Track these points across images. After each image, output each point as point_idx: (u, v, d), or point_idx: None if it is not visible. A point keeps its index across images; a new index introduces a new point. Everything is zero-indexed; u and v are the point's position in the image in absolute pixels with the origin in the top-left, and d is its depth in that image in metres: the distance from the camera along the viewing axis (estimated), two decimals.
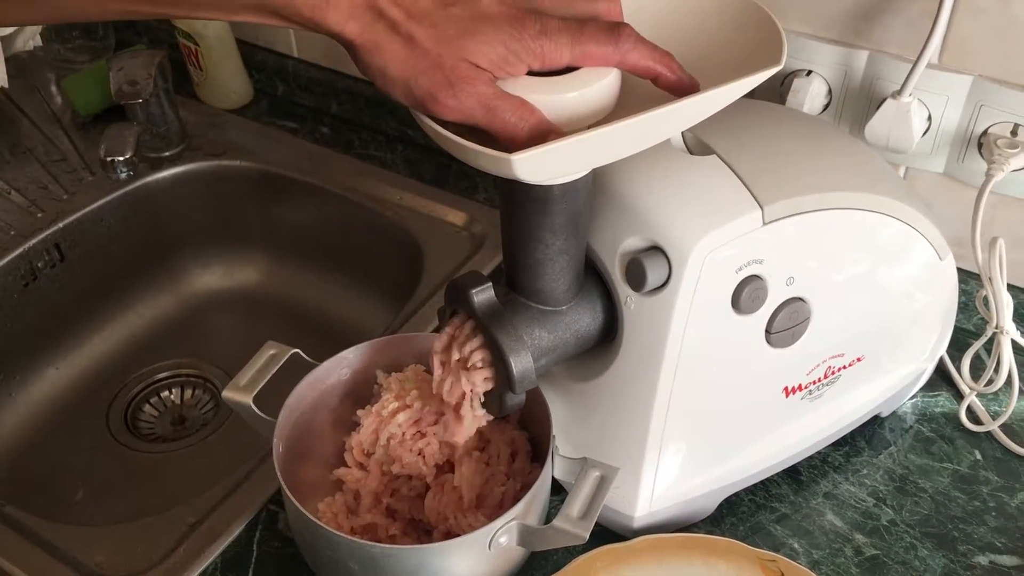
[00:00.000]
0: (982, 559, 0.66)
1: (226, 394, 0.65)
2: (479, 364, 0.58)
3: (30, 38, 1.09)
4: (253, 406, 0.65)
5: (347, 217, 0.97)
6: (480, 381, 0.59)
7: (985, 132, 0.72)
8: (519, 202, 0.55)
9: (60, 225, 0.94)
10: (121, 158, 0.89)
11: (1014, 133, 0.71)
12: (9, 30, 1.05)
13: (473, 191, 0.97)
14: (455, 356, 0.59)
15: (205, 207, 1.03)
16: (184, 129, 1.02)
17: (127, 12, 0.49)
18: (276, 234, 1.03)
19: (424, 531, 0.66)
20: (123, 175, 0.90)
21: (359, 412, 0.67)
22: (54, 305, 0.95)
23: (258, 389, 0.65)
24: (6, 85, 1.03)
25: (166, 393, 0.97)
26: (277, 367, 0.66)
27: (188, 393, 0.97)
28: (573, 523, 0.57)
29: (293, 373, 0.66)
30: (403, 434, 0.65)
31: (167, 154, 1.00)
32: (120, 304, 1.01)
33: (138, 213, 0.99)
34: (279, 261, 1.04)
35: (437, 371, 0.60)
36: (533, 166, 0.47)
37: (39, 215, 0.95)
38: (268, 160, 1.01)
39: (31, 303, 0.93)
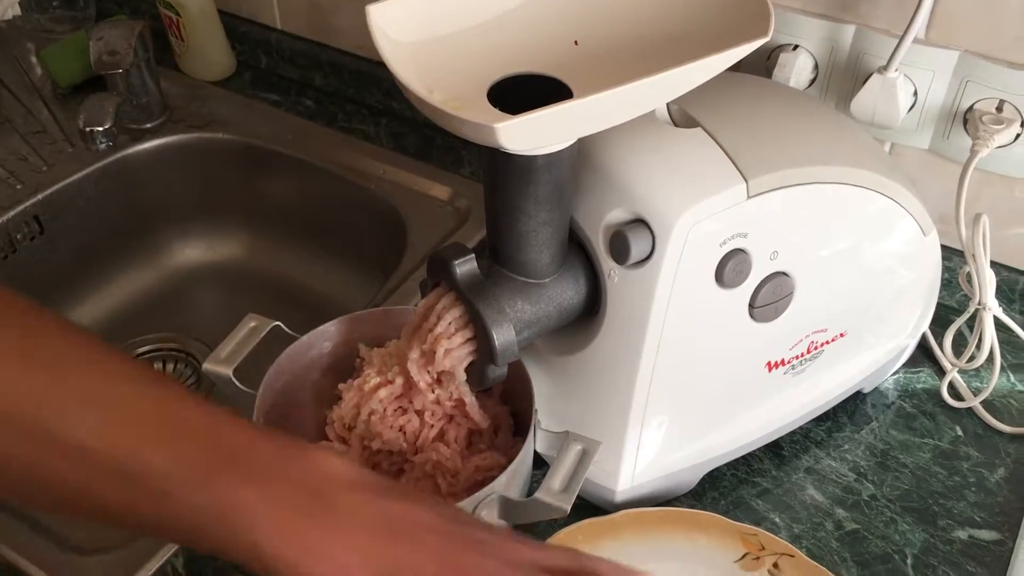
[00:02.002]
0: (961, 533, 0.67)
1: (206, 366, 0.65)
2: (461, 337, 0.58)
3: (9, 7, 1.07)
4: (233, 378, 0.64)
5: (330, 191, 0.97)
6: (463, 354, 0.59)
7: (971, 108, 0.72)
8: (503, 172, 0.54)
9: (39, 197, 0.93)
10: (100, 128, 0.87)
11: (999, 109, 0.71)
12: None
13: (458, 165, 0.96)
14: (437, 328, 0.59)
15: (186, 180, 1.01)
16: (165, 101, 1.00)
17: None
18: (258, 207, 1.02)
19: None
20: (102, 146, 0.88)
21: (341, 386, 0.66)
22: (33, 278, 0.94)
23: (239, 361, 0.65)
24: None
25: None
26: (258, 339, 0.66)
27: (170, 367, 0.96)
28: (555, 496, 0.57)
29: (274, 346, 0.66)
30: (384, 410, 0.64)
31: (148, 126, 0.99)
32: (101, 277, 1.00)
33: (118, 185, 0.98)
34: (261, 235, 1.03)
35: (413, 370, 0.60)
36: (517, 135, 0.46)
37: (18, 187, 0.93)
38: (251, 133, 1.00)
39: (10, 275, 0.92)
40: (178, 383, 0.41)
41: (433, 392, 0.62)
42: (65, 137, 0.99)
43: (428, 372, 0.61)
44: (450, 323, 0.59)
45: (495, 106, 0.52)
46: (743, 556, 0.63)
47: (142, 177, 0.99)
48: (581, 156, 0.57)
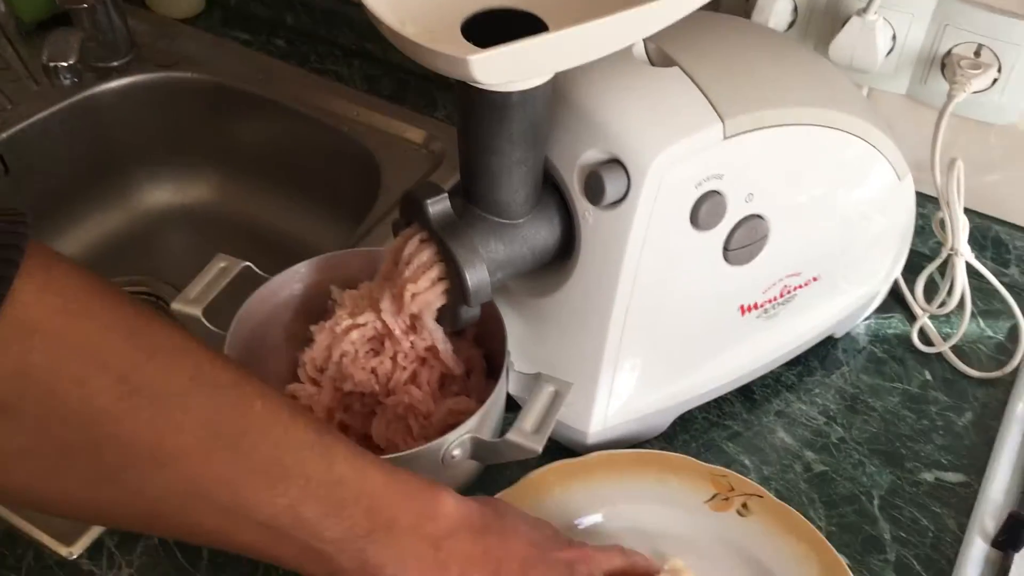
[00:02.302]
0: (928, 475, 0.68)
1: (175, 306, 0.64)
2: (428, 280, 0.58)
3: None
4: (203, 319, 0.63)
5: (302, 133, 0.95)
6: (435, 295, 0.58)
7: (948, 53, 0.72)
8: (477, 110, 0.53)
9: (4, 135, 0.90)
10: (64, 64, 0.85)
11: (977, 54, 0.71)
12: None
13: (433, 108, 0.95)
14: (404, 273, 0.58)
15: (155, 120, 0.99)
16: (132, 38, 0.98)
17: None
18: (229, 149, 1.00)
19: (377, 448, 0.65)
20: (67, 82, 0.86)
21: (312, 328, 0.66)
22: None
23: (208, 302, 0.64)
24: None
25: None
26: (227, 280, 0.65)
27: None
28: (527, 437, 0.57)
29: (245, 288, 0.65)
30: (356, 352, 0.64)
31: (115, 64, 0.97)
32: (68, 219, 0.98)
33: (85, 125, 0.96)
34: (232, 177, 1.01)
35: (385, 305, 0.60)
36: (491, 68, 0.45)
37: None
38: (220, 73, 0.98)
39: None
40: (335, 433, 0.48)
41: (408, 338, 0.62)
42: (30, 75, 0.97)
43: (401, 319, 0.61)
44: (418, 267, 0.58)
45: (470, 41, 0.51)
46: (713, 497, 0.63)
47: (109, 117, 0.97)
48: (556, 95, 0.56)
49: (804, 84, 0.62)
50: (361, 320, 0.63)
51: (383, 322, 0.62)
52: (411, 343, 0.63)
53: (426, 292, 0.58)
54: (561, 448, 0.67)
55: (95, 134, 0.97)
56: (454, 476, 0.61)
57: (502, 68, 0.47)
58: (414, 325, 0.62)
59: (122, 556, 0.61)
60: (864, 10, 0.71)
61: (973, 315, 0.76)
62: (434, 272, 0.58)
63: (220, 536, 0.44)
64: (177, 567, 0.61)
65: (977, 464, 0.68)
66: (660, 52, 0.60)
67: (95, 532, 0.62)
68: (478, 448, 0.58)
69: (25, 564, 0.61)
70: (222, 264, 0.66)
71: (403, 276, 0.59)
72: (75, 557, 0.61)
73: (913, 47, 0.73)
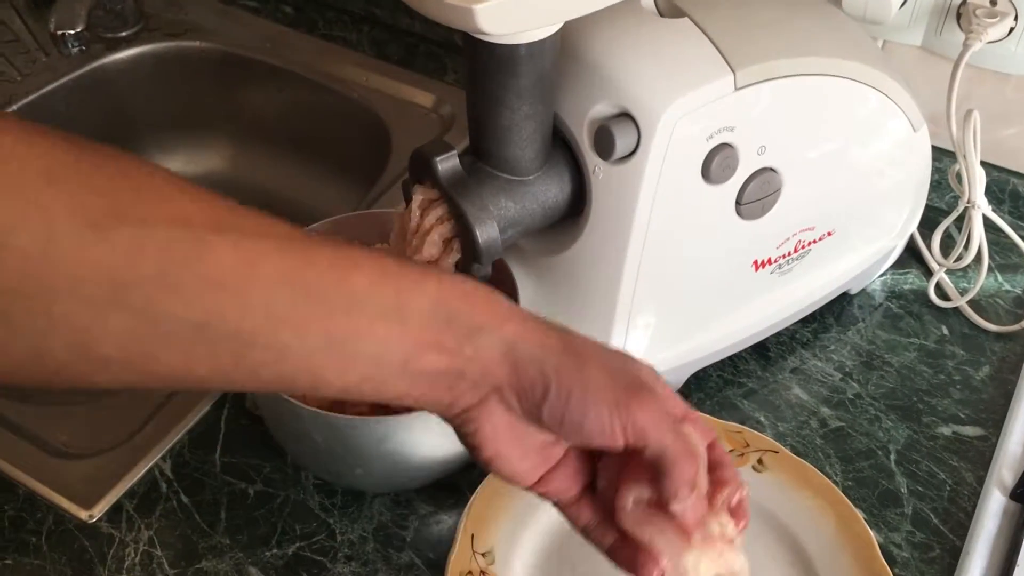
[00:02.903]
0: (945, 430, 0.67)
1: None
2: (439, 235, 0.57)
3: None
4: None
5: (312, 100, 0.94)
6: (447, 253, 0.58)
7: (964, 2, 0.71)
8: (484, 64, 0.53)
9: (14, 107, 0.90)
10: (72, 31, 0.85)
11: (993, 3, 0.70)
12: None
13: (442, 72, 0.94)
14: (422, 225, 0.58)
15: (164, 90, 0.99)
16: (140, 8, 0.98)
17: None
18: (239, 118, 1.00)
19: (391, 412, 0.66)
20: (75, 50, 0.86)
21: None
22: None
23: None
24: None
25: None
26: None
27: None
28: None
29: None
30: None
31: (123, 34, 0.96)
32: None
33: (95, 96, 0.95)
34: (243, 146, 1.01)
35: (415, 218, 0.59)
36: (497, 17, 0.45)
37: None
38: (229, 41, 0.97)
39: None
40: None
41: None
42: (39, 46, 0.97)
43: None
44: (427, 229, 0.58)
45: None
46: (728, 452, 0.63)
47: (118, 87, 0.97)
48: (565, 48, 0.55)
49: (817, 34, 0.61)
50: None
51: None
52: None
53: (442, 261, 0.58)
54: None
55: (105, 105, 0.97)
56: None
57: (508, 17, 0.46)
58: None
59: (141, 519, 0.62)
60: None
61: (990, 269, 0.75)
62: (443, 231, 0.58)
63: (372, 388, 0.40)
64: (195, 528, 0.62)
65: (995, 418, 0.68)
66: (669, 3, 0.59)
67: (114, 495, 0.62)
68: None
69: (46, 528, 0.61)
70: None
71: (413, 235, 0.59)
72: (94, 520, 0.62)
73: None
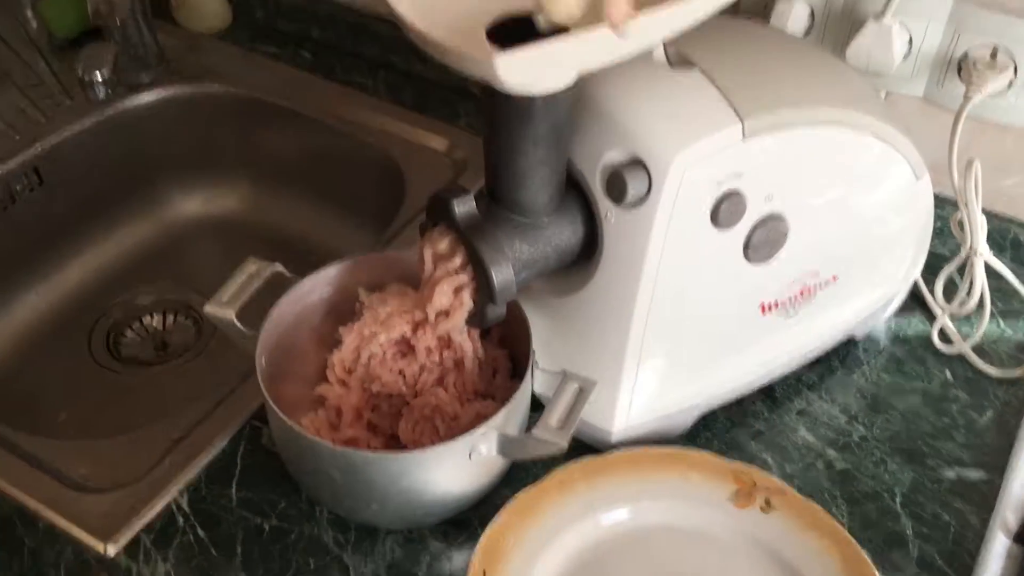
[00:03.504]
0: (949, 473, 0.68)
1: (208, 309, 0.65)
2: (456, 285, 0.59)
3: None
4: (236, 321, 0.65)
5: (328, 143, 0.97)
6: (466, 296, 0.60)
7: (965, 55, 0.73)
8: (502, 112, 0.55)
9: (38, 148, 0.93)
10: (99, 77, 0.88)
11: (993, 56, 0.72)
12: None
13: (455, 117, 0.96)
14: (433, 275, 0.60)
15: (185, 132, 1.02)
16: (162, 53, 1.00)
17: None
18: (257, 160, 1.02)
19: (404, 446, 0.67)
20: (101, 94, 0.89)
21: (341, 329, 0.67)
22: (33, 230, 0.94)
23: (240, 304, 0.65)
24: None
25: (148, 318, 0.97)
26: (259, 283, 0.67)
27: (170, 318, 0.97)
28: (552, 432, 0.58)
29: (275, 293, 0.66)
30: (384, 354, 0.65)
31: (145, 78, 0.99)
32: (100, 229, 1.00)
33: (117, 138, 0.98)
34: (260, 187, 1.03)
35: (428, 266, 0.61)
36: (515, 70, 0.47)
37: (16, 138, 0.93)
38: (248, 85, 1.00)
39: (9, 227, 0.92)
40: None
41: (435, 343, 0.64)
42: (63, 90, 0.99)
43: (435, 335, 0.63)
44: (443, 276, 0.60)
45: (495, 46, 0.52)
46: (735, 493, 0.64)
47: (140, 129, 0.99)
48: (579, 97, 0.57)
49: (822, 85, 0.63)
50: (389, 325, 0.65)
51: (410, 328, 0.64)
52: (438, 348, 0.64)
53: (454, 315, 0.60)
54: (585, 447, 0.68)
55: (126, 146, 0.99)
56: (481, 473, 0.62)
57: (525, 69, 0.48)
58: (449, 342, 0.64)
59: (158, 553, 0.63)
60: (880, 14, 0.72)
61: (992, 315, 0.77)
62: (454, 282, 0.59)
63: None
64: (211, 562, 0.63)
65: (998, 461, 0.69)
66: (679, 54, 0.61)
67: (132, 529, 0.64)
68: (505, 443, 0.60)
69: (64, 561, 0.62)
70: (253, 267, 0.67)
71: (425, 284, 0.60)
72: (112, 555, 0.63)
73: (929, 50, 0.74)
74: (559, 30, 0.53)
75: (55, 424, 0.87)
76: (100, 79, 0.89)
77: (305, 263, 0.71)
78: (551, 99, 0.54)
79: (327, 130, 0.97)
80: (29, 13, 1.09)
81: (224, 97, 1.00)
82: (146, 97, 0.99)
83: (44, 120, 0.96)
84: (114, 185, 1.00)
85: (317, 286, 0.68)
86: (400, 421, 0.65)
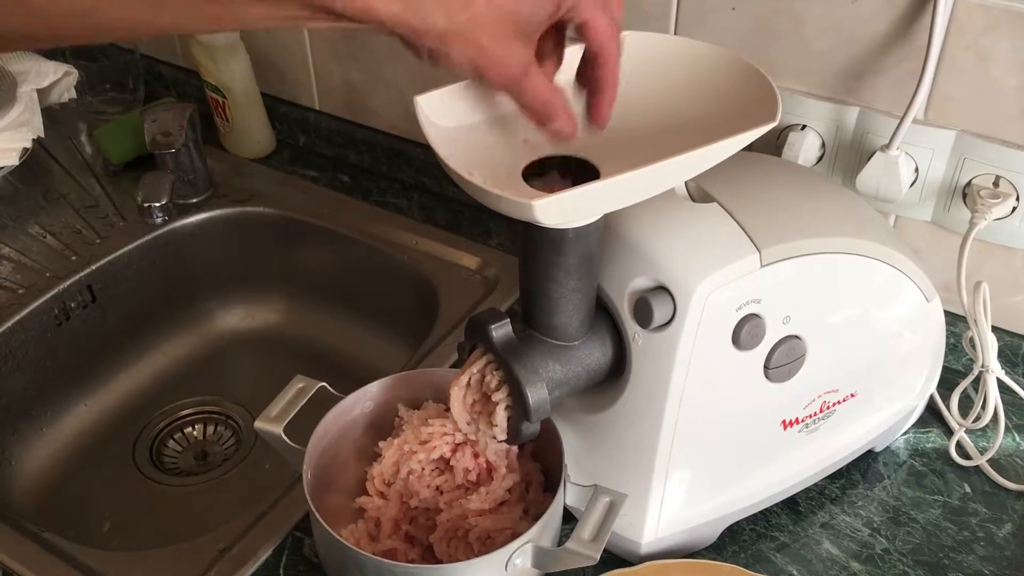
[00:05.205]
0: None
1: (258, 424, 0.69)
2: (501, 397, 0.63)
3: (65, 91, 1.14)
4: (284, 436, 0.68)
5: (364, 261, 1.02)
6: (500, 411, 0.63)
7: (969, 183, 0.77)
8: (536, 244, 0.59)
9: (92, 268, 0.98)
10: (158, 204, 0.94)
11: (996, 184, 0.76)
12: (47, 82, 1.11)
13: (486, 237, 1.01)
14: (472, 397, 0.64)
15: (229, 251, 1.07)
16: (211, 177, 1.07)
17: (176, 25, 0.50)
18: (296, 277, 1.08)
19: (439, 561, 0.69)
20: (159, 220, 0.94)
21: (381, 444, 0.70)
22: (85, 344, 0.99)
23: (288, 419, 0.69)
24: (42, 135, 1.08)
25: (189, 429, 1.01)
26: (306, 399, 0.70)
27: (210, 429, 1.01)
28: (585, 545, 0.61)
29: (316, 407, 0.70)
30: (422, 470, 0.69)
31: (194, 201, 1.05)
32: (147, 343, 1.05)
33: (165, 257, 1.04)
34: (298, 303, 1.08)
35: (456, 408, 0.64)
36: (551, 211, 0.52)
37: (72, 258, 0.99)
38: (290, 207, 1.06)
39: (63, 342, 0.97)
40: None
41: (476, 474, 0.67)
42: (116, 211, 1.05)
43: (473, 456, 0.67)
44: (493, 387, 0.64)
45: (528, 182, 0.57)
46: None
47: (188, 248, 1.05)
48: (608, 229, 0.62)
49: (833, 215, 0.68)
50: (430, 447, 0.68)
51: (450, 449, 0.67)
52: (476, 467, 0.68)
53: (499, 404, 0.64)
54: (615, 558, 0.70)
55: (174, 264, 1.05)
56: None
57: (561, 211, 0.53)
58: (490, 469, 0.68)
59: None
60: (887, 146, 0.77)
61: (1008, 429, 0.79)
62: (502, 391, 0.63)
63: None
64: None
65: (1019, 574, 0.70)
66: (700, 189, 0.66)
67: None
68: (539, 556, 0.62)
69: None
70: (300, 384, 0.71)
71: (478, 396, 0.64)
72: None
73: (935, 178, 0.79)
74: (584, 164, 0.58)
75: (100, 533, 0.90)
76: (158, 205, 0.94)
77: (341, 375, 0.75)
78: (582, 232, 0.58)
79: (364, 248, 1.02)
80: (84, 139, 1.17)
81: (266, 217, 1.06)
82: (194, 218, 1.04)
83: (98, 240, 1.01)
84: (161, 301, 1.05)
85: (359, 401, 0.72)
86: (435, 539, 0.68)
